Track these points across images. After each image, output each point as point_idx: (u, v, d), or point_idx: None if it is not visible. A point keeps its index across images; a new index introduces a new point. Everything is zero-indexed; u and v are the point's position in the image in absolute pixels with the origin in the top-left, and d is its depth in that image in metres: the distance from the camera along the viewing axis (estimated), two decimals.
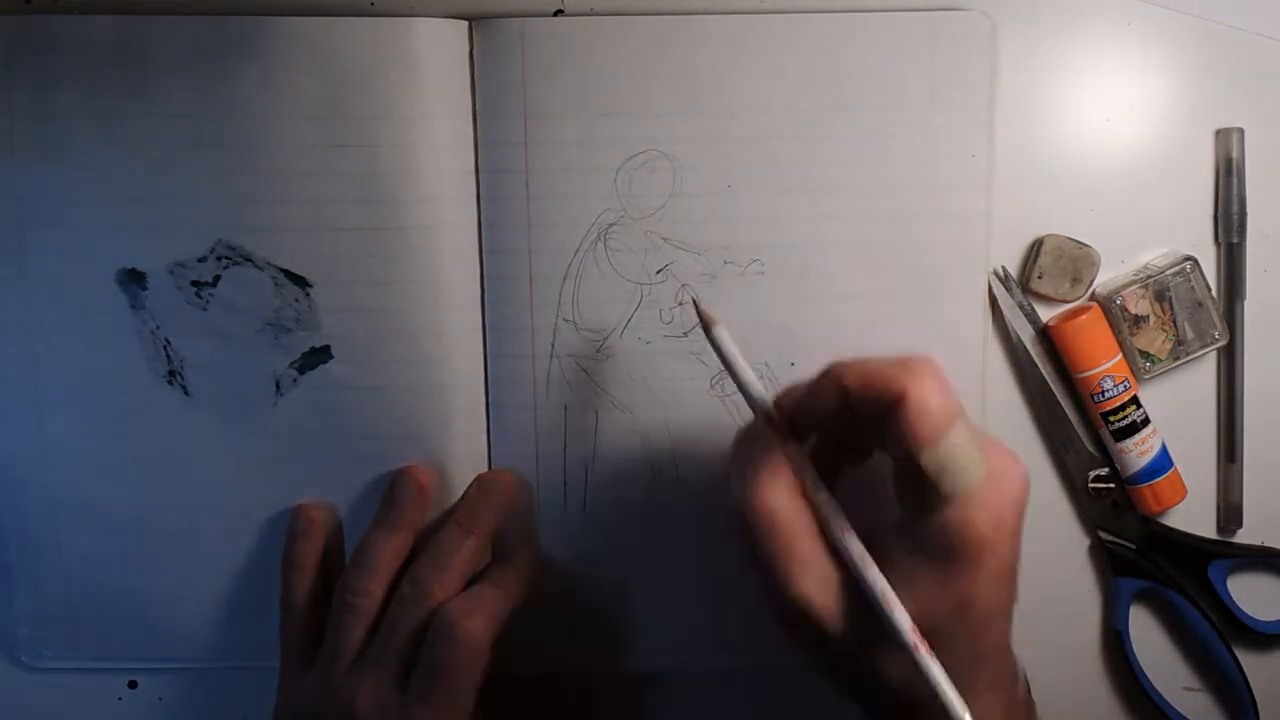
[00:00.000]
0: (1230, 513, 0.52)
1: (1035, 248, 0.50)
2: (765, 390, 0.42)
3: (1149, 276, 0.49)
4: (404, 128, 0.48)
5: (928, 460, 0.37)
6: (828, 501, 0.40)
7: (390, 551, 0.49)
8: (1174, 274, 0.49)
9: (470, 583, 0.49)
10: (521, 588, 0.50)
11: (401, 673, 0.47)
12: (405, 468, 0.50)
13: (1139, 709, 0.53)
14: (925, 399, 0.37)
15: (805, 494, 0.40)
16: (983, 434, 0.39)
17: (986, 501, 0.38)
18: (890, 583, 0.38)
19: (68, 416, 0.50)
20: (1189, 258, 0.49)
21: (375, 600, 0.48)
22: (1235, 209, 0.50)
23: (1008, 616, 0.41)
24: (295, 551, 0.50)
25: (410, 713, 0.46)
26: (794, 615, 0.40)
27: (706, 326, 0.43)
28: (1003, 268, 0.50)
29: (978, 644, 0.40)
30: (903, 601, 0.38)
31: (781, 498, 0.39)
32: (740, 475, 0.40)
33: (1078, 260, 0.49)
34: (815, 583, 0.39)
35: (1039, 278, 0.50)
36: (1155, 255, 0.50)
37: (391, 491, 0.50)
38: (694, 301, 0.49)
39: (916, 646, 0.38)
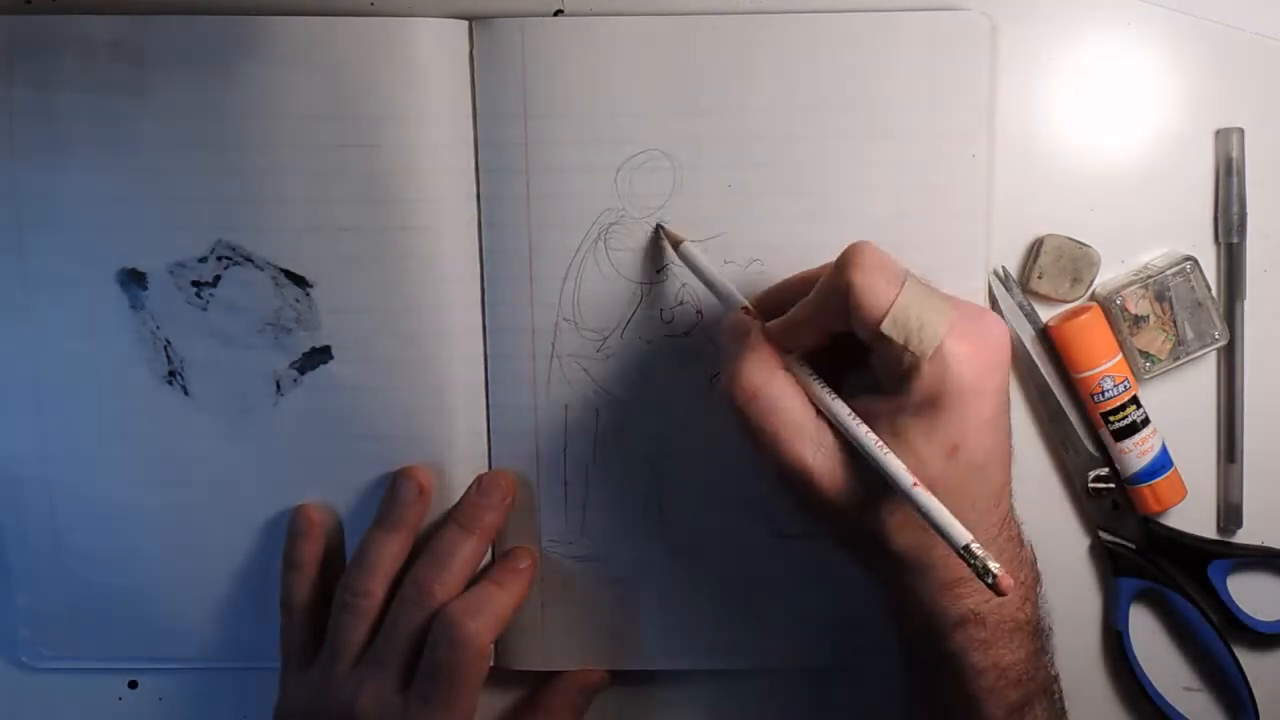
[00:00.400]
0: (1230, 513, 0.51)
1: (1035, 248, 0.50)
2: (739, 294, 0.45)
3: (1149, 276, 0.49)
4: (404, 128, 0.48)
5: (889, 328, 0.39)
6: (810, 373, 0.42)
7: (391, 552, 0.49)
8: (1174, 274, 0.49)
9: (471, 583, 0.49)
10: (522, 588, 0.50)
11: (403, 673, 0.47)
12: (405, 468, 0.50)
13: (1139, 709, 0.53)
14: (869, 277, 0.40)
15: (789, 370, 0.42)
16: (946, 296, 0.41)
17: (961, 351, 0.40)
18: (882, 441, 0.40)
19: (68, 417, 0.50)
20: (1189, 258, 0.49)
21: (376, 601, 0.48)
22: (1235, 209, 0.50)
23: (1003, 468, 0.42)
24: (295, 552, 0.50)
25: (412, 713, 0.46)
26: (797, 485, 0.41)
27: (675, 244, 0.47)
28: (1003, 268, 0.50)
29: (976, 494, 0.41)
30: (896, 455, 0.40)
31: (765, 373, 0.42)
32: (724, 358, 0.43)
33: (1078, 260, 0.49)
34: (809, 445, 0.41)
35: (1039, 278, 0.50)
36: (1155, 255, 0.50)
37: (392, 492, 0.50)
38: (659, 226, 0.49)
39: (914, 485, 0.39)
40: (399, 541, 0.49)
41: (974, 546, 0.38)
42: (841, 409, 0.41)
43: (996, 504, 0.42)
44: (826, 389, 0.42)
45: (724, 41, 0.48)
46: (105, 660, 0.53)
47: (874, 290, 0.40)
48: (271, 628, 0.51)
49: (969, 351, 0.40)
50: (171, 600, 0.52)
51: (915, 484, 0.39)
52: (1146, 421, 0.50)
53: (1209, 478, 0.52)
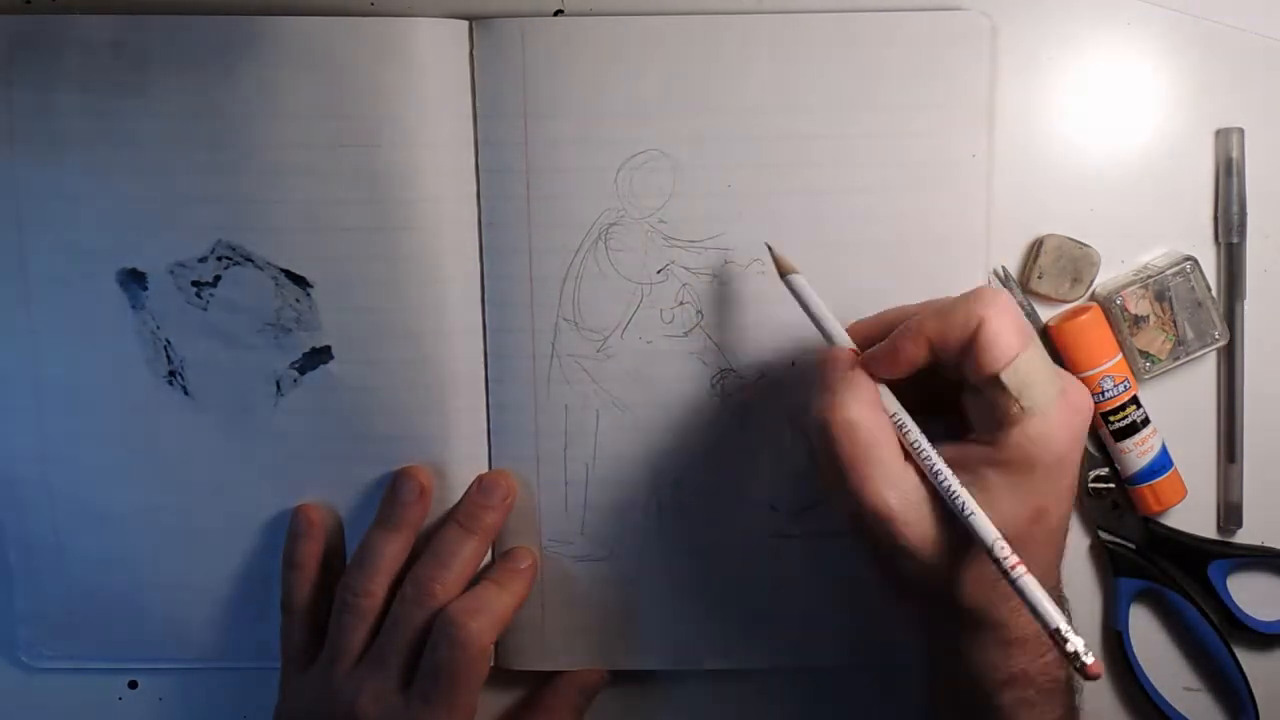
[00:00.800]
0: (1230, 513, 0.51)
1: (1035, 248, 0.50)
2: (844, 332, 0.45)
3: (1149, 276, 0.49)
4: (404, 128, 0.48)
5: (1009, 377, 0.39)
6: (907, 419, 0.42)
7: (391, 552, 0.49)
8: (1174, 274, 0.49)
9: (472, 583, 0.49)
10: (523, 588, 0.50)
11: (404, 673, 0.47)
12: (405, 468, 0.50)
13: (1139, 709, 0.53)
14: (1003, 321, 0.40)
15: (885, 412, 0.42)
16: (1053, 363, 0.42)
17: (1062, 417, 0.40)
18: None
19: (68, 417, 0.50)
20: (1189, 258, 0.49)
21: (377, 601, 0.48)
22: (1235, 209, 0.49)
23: (1067, 532, 0.43)
24: (296, 552, 0.50)
25: (413, 713, 0.46)
26: (876, 527, 0.41)
27: (783, 273, 0.46)
28: (1003, 268, 0.50)
29: (1050, 555, 0.42)
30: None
31: (863, 409, 0.41)
32: (823, 389, 0.42)
33: (1078, 260, 0.49)
34: (895, 491, 0.40)
35: (1039, 278, 0.49)
36: (1155, 255, 0.50)
37: (392, 492, 0.49)
38: (769, 248, 0.47)
39: (1007, 559, 0.39)
40: (400, 541, 0.49)
41: (1065, 631, 0.38)
42: (936, 459, 0.41)
43: (1056, 567, 0.43)
44: (924, 437, 0.41)
45: (724, 41, 0.48)
46: (105, 660, 0.53)
47: (1005, 334, 0.40)
48: (271, 628, 0.51)
49: (1067, 419, 0.40)
50: (171, 600, 0.52)
51: (1008, 554, 0.39)
52: (1146, 421, 0.50)
53: (1209, 478, 0.52)
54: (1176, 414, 0.51)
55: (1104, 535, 0.51)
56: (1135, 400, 0.50)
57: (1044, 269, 0.49)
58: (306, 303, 0.49)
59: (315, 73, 0.47)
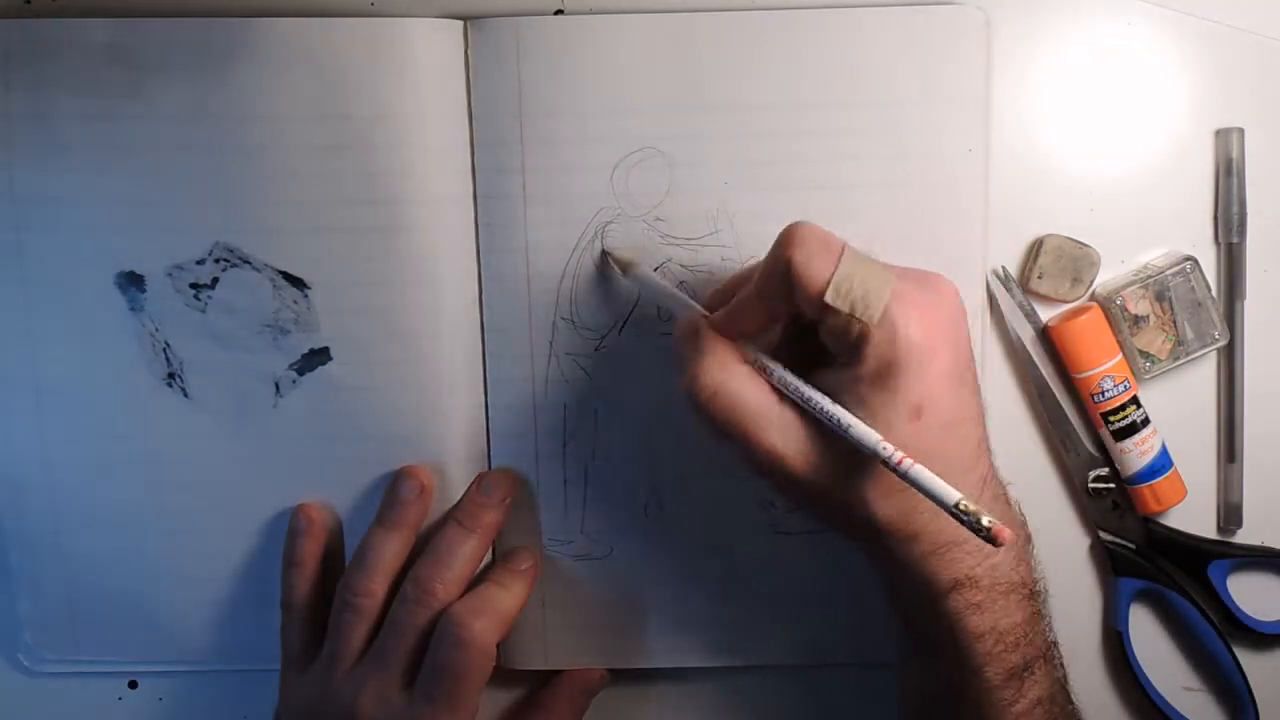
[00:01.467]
0: (1230, 513, 0.51)
1: (1035, 248, 0.49)
2: (692, 301, 0.45)
3: (1149, 277, 0.49)
4: (400, 128, 0.47)
5: (831, 297, 0.39)
6: (768, 358, 0.42)
7: (391, 551, 0.48)
8: (1174, 274, 0.49)
9: (473, 584, 0.49)
10: (525, 589, 0.50)
11: (405, 673, 0.47)
12: (406, 467, 0.50)
13: (1139, 709, 0.52)
14: (805, 251, 0.40)
15: (748, 362, 0.42)
16: (887, 264, 0.41)
17: (909, 313, 0.39)
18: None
19: (69, 419, 0.50)
20: (1189, 258, 0.49)
21: (377, 600, 0.48)
22: (1235, 209, 0.49)
23: (975, 423, 0.42)
24: (295, 551, 0.50)
25: (415, 713, 0.46)
26: (773, 472, 0.41)
27: (624, 269, 0.47)
28: (1003, 268, 0.50)
29: (950, 453, 0.40)
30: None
31: (721, 368, 0.41)
32: (679, 364, 0.43)
33: (1078, 260, 0.49)
34: (777, 432, 0.41)
35: (1039, 278, 0.49)
36: (1155, 255, 0.50)
37: (392, 491, 0.49)
38: (605, 252, 0.48)
39: (891, 451, 0.38)
40: (400, 541, 0.49)
41: (963, 503, 0.37)
42: (805, 387, 0.41)
43: (975, 462, 0.41)
44: (787, 371, 0.41)
45: (719, 38, 0.48)
46: (106, 662, 0.53)
47: (813, 263, 0.39)
48: (271, 629, 0.51)
49: (916, 312, 0.40)
50: (172, 602, 0.52)
51: (892, 451, 0.39)
52: (1147, 421, 0.49)
53: (1209, 478, 0.51)
54: (1176, 414, 0.51)
55: (1104, 535, 0.51)
56: (1135, 400, 0.49)
57: (1044, 269, 0.49)
58: (304, 304, 0.49)
59: (311, 74, 0.47)
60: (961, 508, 0.37)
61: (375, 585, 0.48)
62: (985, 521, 0.37)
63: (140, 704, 0.54)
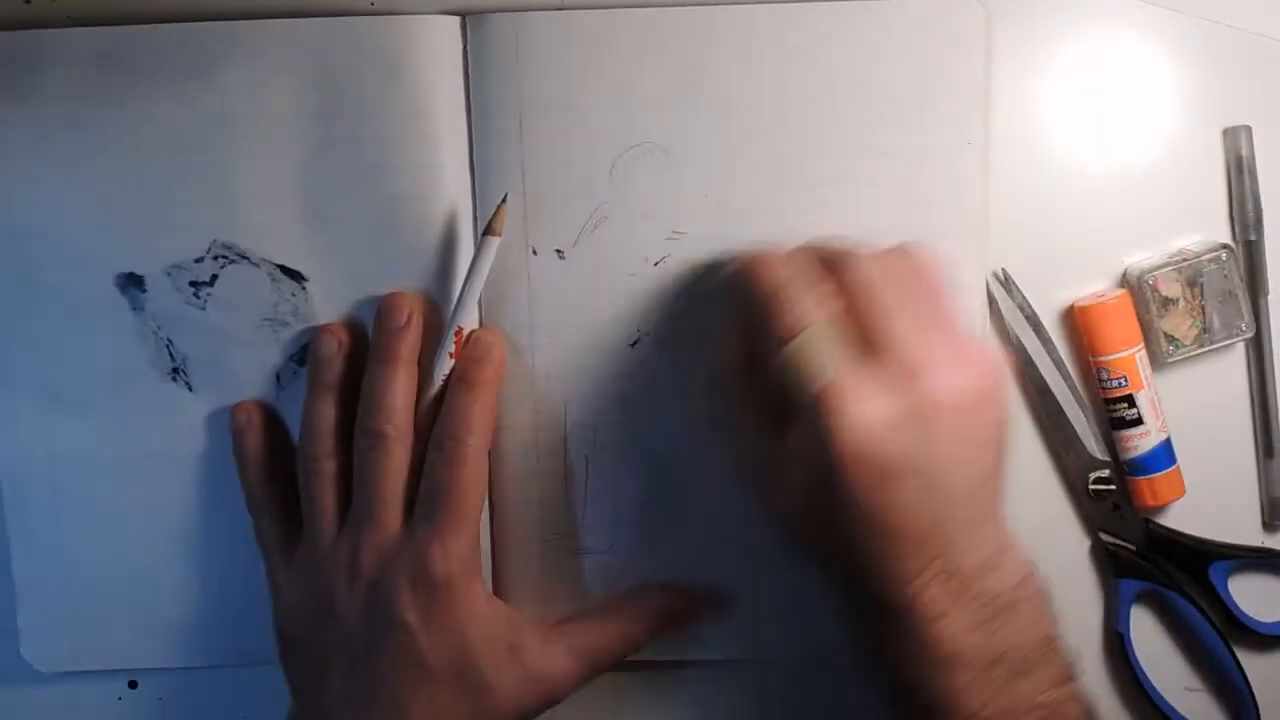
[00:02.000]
0: (1274, 508, 0.51)
1: None
2: None
3: (1183, 260, 0.48)
4: (397, 123, 0.47)
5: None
6: None
7: (329, 412, 0.47)
8: (1209, 260, 0.48)
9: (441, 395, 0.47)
10: (495, 374, 0.47)
11: (391, 515, 0.45)
12: (324, 328, 0.48)
13: (1140, 710, 0.52)
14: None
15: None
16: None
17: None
18: None
19: (71, 420, 0.50)
20: (1225, 245, 0.48)
21: (335, 459, 0.47)
22: (1250, 206, 0.49)
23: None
24: (244, 449, 0.49)
25: (417, 541, 0.44)
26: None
27: (486, 230, 0.46)
28: (1003, 270, 0.49)
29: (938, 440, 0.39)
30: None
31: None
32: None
33: None
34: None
35: None
36: (1191, 240, 0.50)
37: (316, 355, 0.48)
38: (505, 198, 0.47)
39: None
40: (331, 401, 0.47)
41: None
42: None
43: (983, 487, 0.41)
44: None
45: (718, 32, 0.47)
46: (106, 661, 0.53)
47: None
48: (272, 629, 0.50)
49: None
50: (175, 601, 0.52)
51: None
52: (1155, 414, 0.49)
53: (1217, 471, 0.51)
54: (1192, 405, 0.50)
55: (1105, 537, 0.51)
56: (1148, 389, 0.49)
57: None
58: (303, 296, 0.49)
59: (309, 70, 0.47)
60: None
61: (327, 446, 0.46)
62: None
63: (140, 704, 0.54)
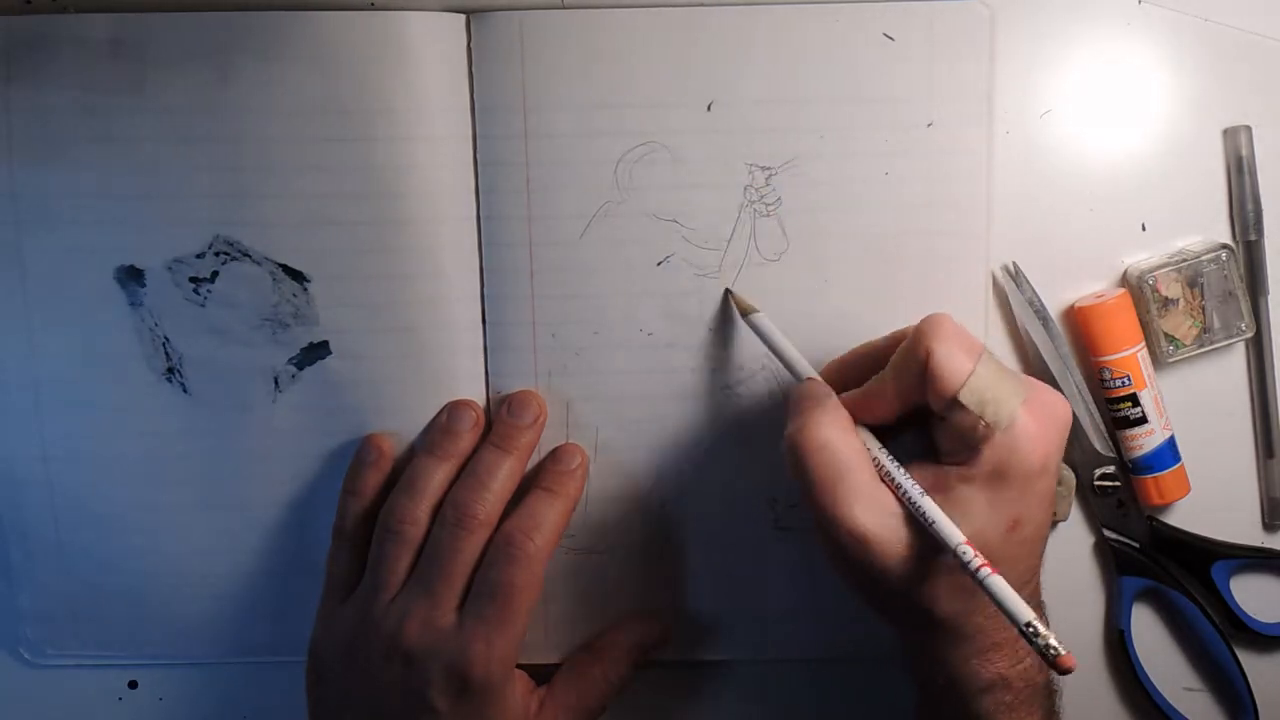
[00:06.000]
0: (1274, 508, 0.50)
1: None
2: (810, 368, 0.45)
3: (1183, 261, 0.48)
4: (402, 122, 0.46)
5: (966, 397, 0.39)
6: (877, 442, 0.42)
7: (439, 480, 0.47)
8: (1209, 260, 0.48)
9: (520, 490, 0.47)
10: (576, 489, 0.48)
11: (449, 597, 0.45)
12: (461, 400, 0.48)
13: (1140, 708, 0.51)
14: (949, 346, 0.40)
15: (855, 435, 0.42)
16: (1015, 371, 0.42)
17: (1032, 428, 0.39)
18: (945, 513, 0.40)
19: (68, 415, 0.49)
20: (1225, 246, 0.48)
21: (421, 528, 0.46)
22: (1250, 206, 0.48)
23: (1045, 541, 0.43)
24: (357, 480, 0.48)
25: (466, 633, 0.44)
26: (849, 545, 0.40)
27: (744, 313, 0.47)
28: (1013, 263, 0.48)
29: (1025, 565, 0.41)
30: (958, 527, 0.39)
31: (834, 431, 0.41)
32: (795, 413, 0.42)
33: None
34: (869, 511, 0.40)
35: None
36: (1191, 240, 0.49)
37: (446, 421, 0.47)
38: (728, 291, 0.48)
39: (980, 563, 0.38)
40: (447, 471, 0.47)
41: (1034, 624, 0.37)
42: (899, 471, 0.41)
43: (1035, 574, 0.42)
44: (892, 458, 0.41)
45: (723, 32, 0.46)
46: (106, 657, 0.51)
47: (953, 360, 0.39)
48: (271, 625, 0.50)
49: (1039, 429, 0.40)
50: (172, 597, 0.50)
51: (973, 556, 0.38)
52: (1159, 413, 0.48)
53: (1219, 470, 0.50)
54: (1193, 404, 0.49)
55: (1108, 534, 0.50)
56: (1151, 388, 0.48)
57: None
58: (304, 297, 0.47)
59: (312, 67, 0.46)
60: (1031, 629, 0.37)
61: (421, 513, 0.46)
62: (1054, 644, 0.36)
63: (140, 704, 0.52)
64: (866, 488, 0.40)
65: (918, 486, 0.40)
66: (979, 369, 0.39)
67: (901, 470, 0.41)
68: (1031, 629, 0.37)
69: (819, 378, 0.44)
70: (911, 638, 0.43)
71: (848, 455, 0.40)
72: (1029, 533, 0.40)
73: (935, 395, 0.40)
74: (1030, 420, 0.39)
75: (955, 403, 0.39)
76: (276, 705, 0.51)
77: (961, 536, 0.39)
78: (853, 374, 0.44)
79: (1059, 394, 0.42)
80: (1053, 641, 0.36)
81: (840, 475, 0.40)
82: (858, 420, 0.42)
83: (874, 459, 0.41)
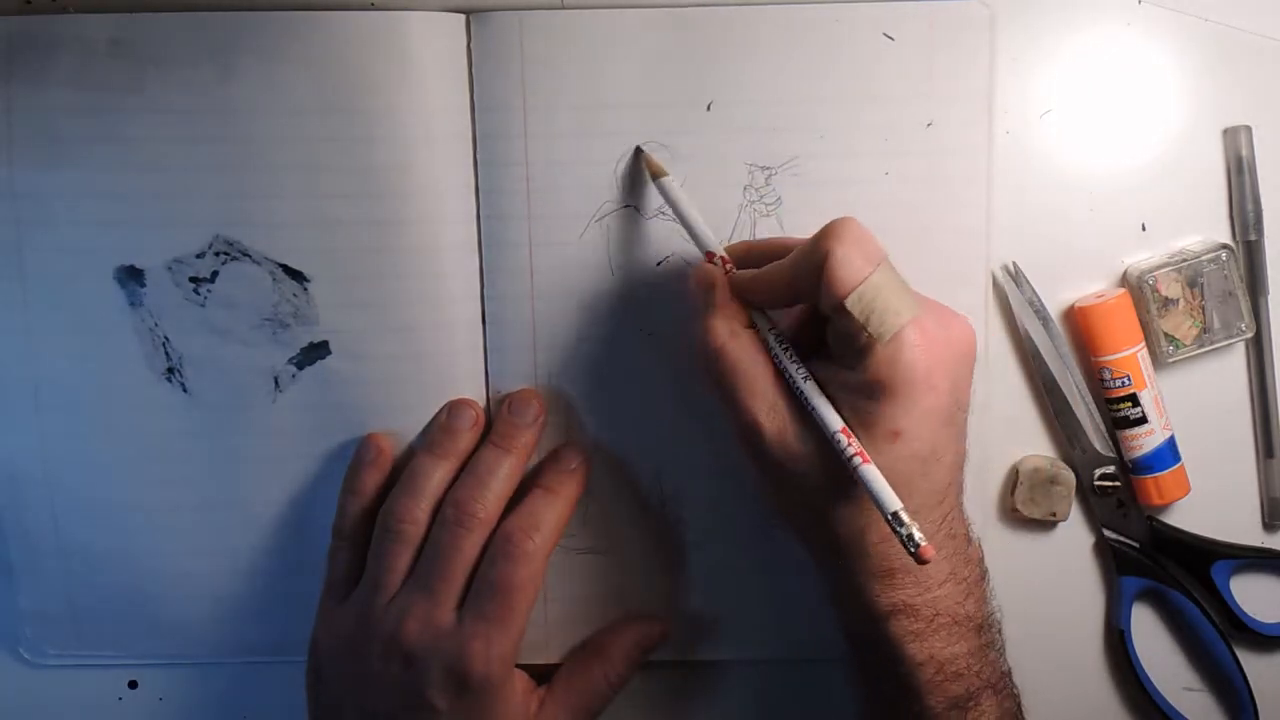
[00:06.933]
0: (1274, 508, 0.50)
1: (1014, 474, 0.49)
2: (714, 236, 0.45)
3: (1183, 261, 0.47)
4: (402, 121, 0.46)
5: (852, 303, 0.39)
6: (774, 333, 0.42)
7: (439, 479, 0.46)
8: (1209, 260, 0.47)
9: (520, 490, 0.47)
10: (575, 490, 0.48)
11: (448, 596, 0.45)
12: (461, 399, 0.48)
13: (1139, 708, 0.51)
14: (848, 248, 0.39)
15: (754, 327, 0.43)
16: (914, 290, 0.41)
17: (917, 341, 0.39)
18: None
19: (67, 415, 0.49)
20: (1225, 246, 0.48)
21: (421, 527, 0.46)
22: (1250, 206, 0.48)
23: (951, 468, 0.42)
24: (356, 479, 0.48)
25: (465, 632, 0.44)
26: (747, 438, 0.42)
27: (655, 175, 0.46)
28: (1013, 263, 0.48)
29: (916, 485, 0.40)
30: None
31: (728, 330, 0.42)
32: (696, 314, 0.43)
33: (1055, 478, 0.49)
34: (763, 404, 0.41)
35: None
36: (1191, 241, 0.49)
37: (447, 419, 0.47)
38: (639, 149, 0.47)
39: (848, 449, 0.39)
40: (447, 469, 0.46)
41: (902, 514, 0.38)
42: (790, 363, 0.41)
43: (940, 500, 0.41)
44: (786, 350, 0.42)
45: (723, 32, 0.46)
46: (107, 656, 0.51)
47: (849, 264, 0.39)
48: (271, 625, 0.49)
49: (924, 343, 0.39)
50: (172, 597, 0.50)
51: (848, 444, 0.39)
52: (1159, 413, 0.48)
53: (1218, 470, 0.50)
54: (1193, 404, 0.49)
55: (1108, 534, 0.49)
56: (1151, 388, 0.48)
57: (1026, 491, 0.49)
58: (304, 297, 0.47)
59: (313, 67, 0.46)
60: (898, 518, 0.38)
61: (420, 512, 0.46)
62: (915, 536, 0.37)
63: (140, 704, 0.52)
64: (761, 384, 0.41)
65: (803, 370, 0.41)
66: (874, 278, 0.39)
67: (789, 354, 0.41)
68: (897, 517, 0.38)
69: (721, 250, 0.44)
70: (820, 558, 0.43)
71: (741, 355, 0.42)
72: (917, 450, 0.40)
73: (825, 296, 0.39)
74: (918, 336, 0.39)
75: (842, 307, 0.39)
76: (276, 705, 0.51)
77: (840, 423, 0.39)
78: (760, 260, 0.43)
79: (965, 321, 0.42)
80: (915, 533, 0.37)
81: (736, 375, 0.41)
82: (748, 301, 0.43)
83: (766, 344, 0.42)
